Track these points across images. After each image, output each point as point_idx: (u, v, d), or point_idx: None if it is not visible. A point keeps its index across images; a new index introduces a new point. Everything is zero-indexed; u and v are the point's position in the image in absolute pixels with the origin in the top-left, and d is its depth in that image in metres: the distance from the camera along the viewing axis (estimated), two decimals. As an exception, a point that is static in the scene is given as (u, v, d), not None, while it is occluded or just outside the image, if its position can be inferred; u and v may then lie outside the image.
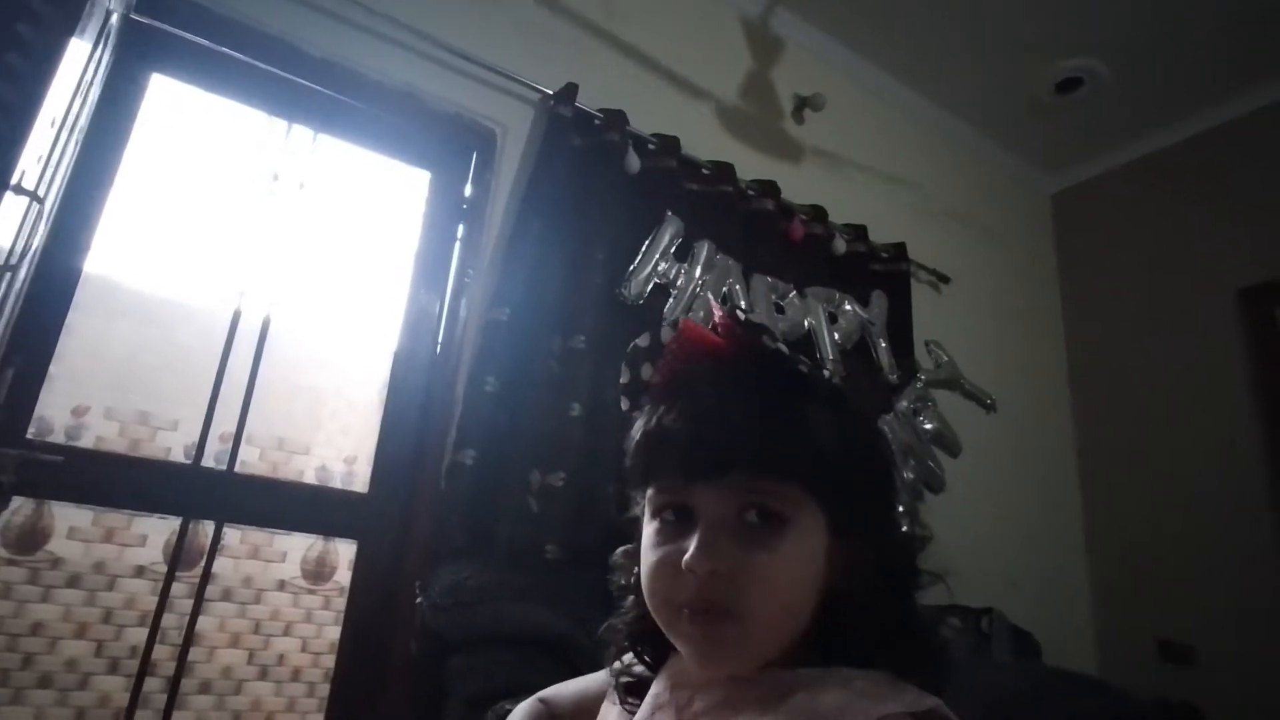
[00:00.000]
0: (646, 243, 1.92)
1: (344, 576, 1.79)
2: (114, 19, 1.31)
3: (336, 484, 2.54)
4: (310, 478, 2.52)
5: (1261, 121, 2.65)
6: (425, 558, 1.53)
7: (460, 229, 1.86)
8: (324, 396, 2.36)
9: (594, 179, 1.90)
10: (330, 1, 1.72)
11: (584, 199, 1.86)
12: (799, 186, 2.33)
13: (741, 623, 0.57)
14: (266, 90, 1.69)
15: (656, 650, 0.67)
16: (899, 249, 2.49)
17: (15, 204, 1.13)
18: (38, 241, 1.24)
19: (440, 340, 1.76)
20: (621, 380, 0.69)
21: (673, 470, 0.61)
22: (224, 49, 1.60)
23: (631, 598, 0.68)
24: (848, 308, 2.27)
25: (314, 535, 2.21)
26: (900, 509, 0.68)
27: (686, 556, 0.57)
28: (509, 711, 0.76)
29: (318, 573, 2.54)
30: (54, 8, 1.09)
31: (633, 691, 0.67)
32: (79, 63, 1.20)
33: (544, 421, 1.65)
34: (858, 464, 0.62)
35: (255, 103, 1.72)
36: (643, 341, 0.69)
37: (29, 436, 1.42)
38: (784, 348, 0.63)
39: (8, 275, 1.17)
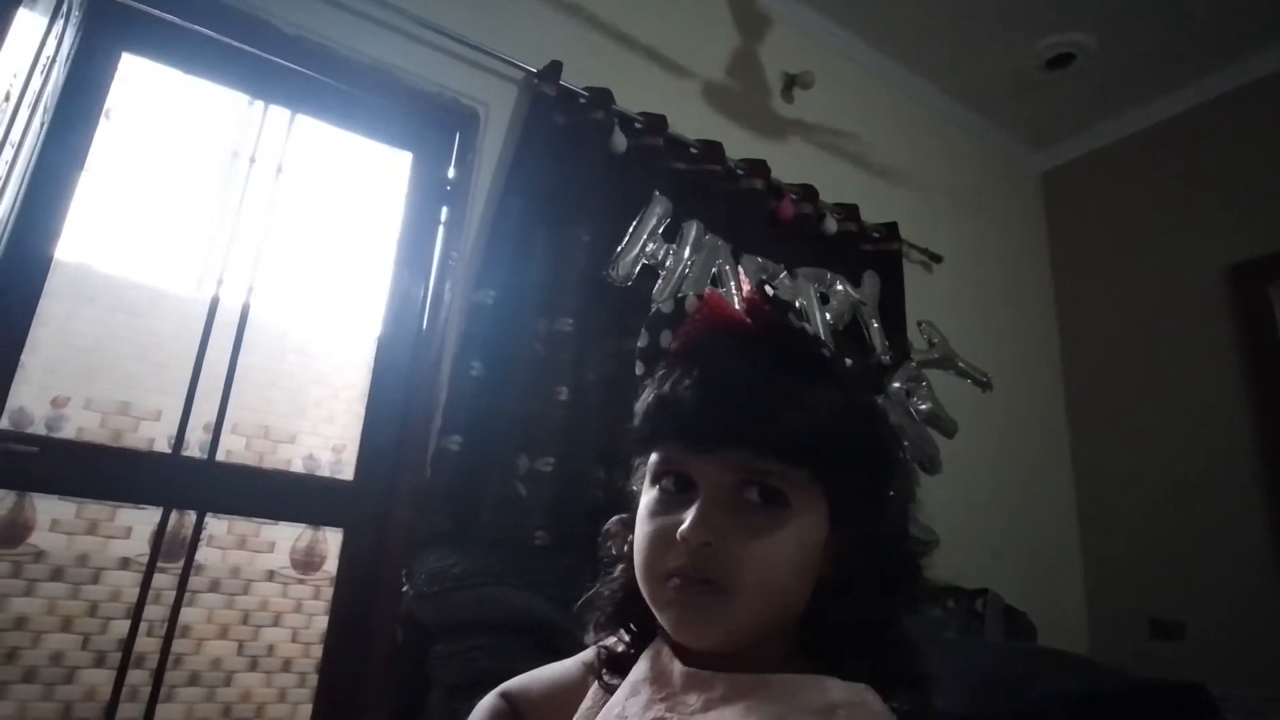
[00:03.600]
0: (634, 223, 1.88)
1: (333, 566, 1.77)
2: (76, -6, 1.27)
3: (324, 473, 2.50)
4: (298, 467, 2.48)
5: (1252, 95, 2.63)
6: (411, 545, 1.50)
7: (443, 211, 1.82)
8: (307, 384, 2.32)
9: (579, 159, 1.86)
10: (305, -22, 1.69)
11: (569, 179, 1.83)
12: (789, 165, 2.30)
13: (727, 599, 0.55)
14: (241, 70, 1.65)
15: (641, 624, 0.65)
16: (890, 228, 2.46)
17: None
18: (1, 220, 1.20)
19: (424, 325, 1.73)
20: (639, 344, 0.67)
21: (678, 437, 0.59)
22: (196, 26, 1.56)
23: (620, 567, 0.67)
24: (839, 288, 2.24)
25: (300, 524, 2.18)
26: (905, 508, 0.65)
27: (682, 527, 0.56)
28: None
29: (307, 562, 2.52)
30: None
31: (613, 666, 0.65)
32: (35, 37, 1.16)
33: (530, 406, 1.62)
34: (865, 455, 0.60)
35: (230, 83, 1.68)
36: (666, 308, 0.66)
37: (2, 427, 1.39)
38: (809, 327, 0.61)
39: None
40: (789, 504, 0.57)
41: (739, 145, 2.22)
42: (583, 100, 1.91)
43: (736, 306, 0.63)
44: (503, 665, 0.74)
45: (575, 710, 0.66)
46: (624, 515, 0.68)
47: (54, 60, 1.26)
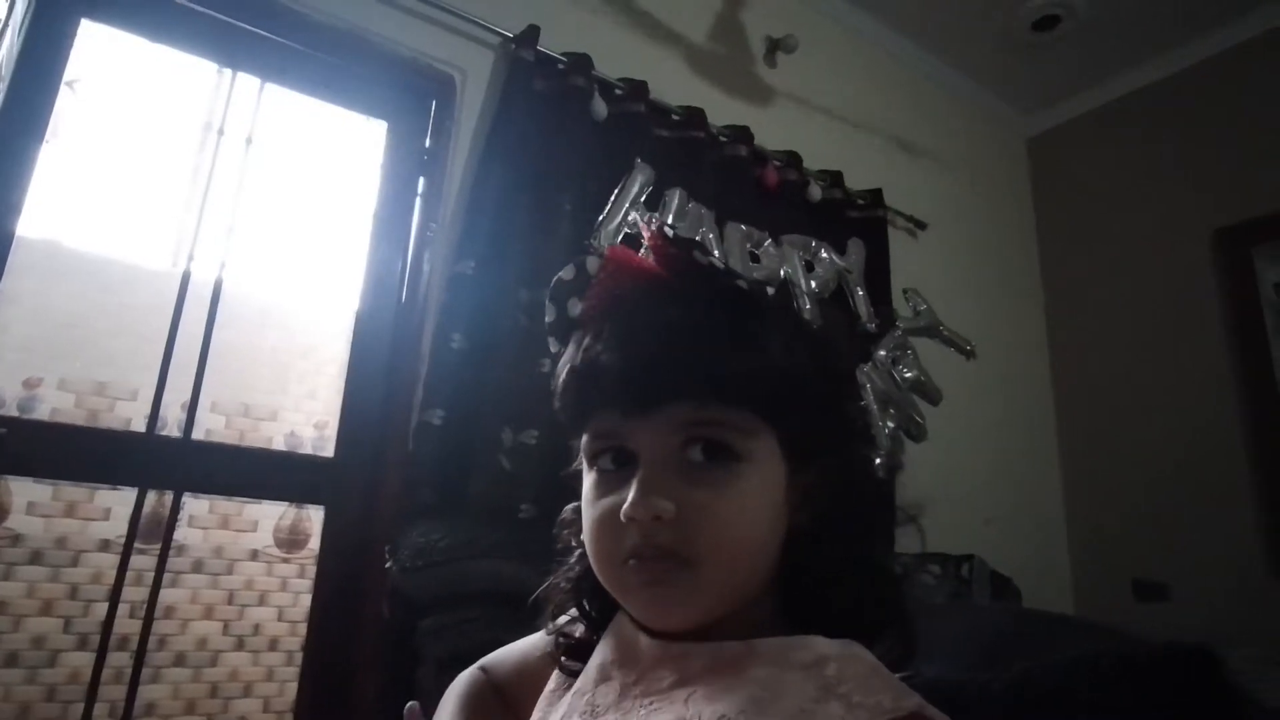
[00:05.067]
0: (615, 192, 1.85)
1: (318, 544, 1.75)
2: (26, -45, 1.22)
3: (307, 450, 2.47)
4: (280, 444, 2.45)
5: (1240, 57, 2.61)
6: (395, 521, 1.48)
7: (420, 181, 1.78)
8: (288, 361, 2.28)
9: (559, 126, 1.82)
10: (271, -61, 1.62)
11: (549, 147, 1.79)
12: (772, 132, 2.27)
13: (693, 570, 0.51)
14: (206, 36, 1.59)
15: (602, 608, 0.62)
16: (875, 195, 2.44)
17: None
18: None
19: (403, 297, 1.70)
20: (547, 320, 0.62)
21: (604, 407, 0.54)
22: (157, -10, 1.50)
23: (577, 553, 0.63)
24: (824, 255, 2.22)
25: (281, 503, 2.15)
26: (866, 436, 0.62)
27: (625, 505, 0.51)
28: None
29: (291, 540, 2.50)
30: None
31: (573, 654, 0.62)
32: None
33: (514, 378, 1.60)
34: (811, 382, 0.56)
35: (196, 50, 1.62)
36: (566, 274, 0.62)
37: (-30, 408, 1.36)
38: (717, 261, 0.56)
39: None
40: (738, 456, 0.52)
41: (722, 111, 2.18)
42: (561, 66, 1.86)
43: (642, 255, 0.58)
44: (495, 637, 0.72)
45: (542, 684, 0.63)
46: (578, 503, 0.64)
47: (6, 25, 1.21)
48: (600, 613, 0.62)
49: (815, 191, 2.27)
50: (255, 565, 2.54)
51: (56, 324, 1.93)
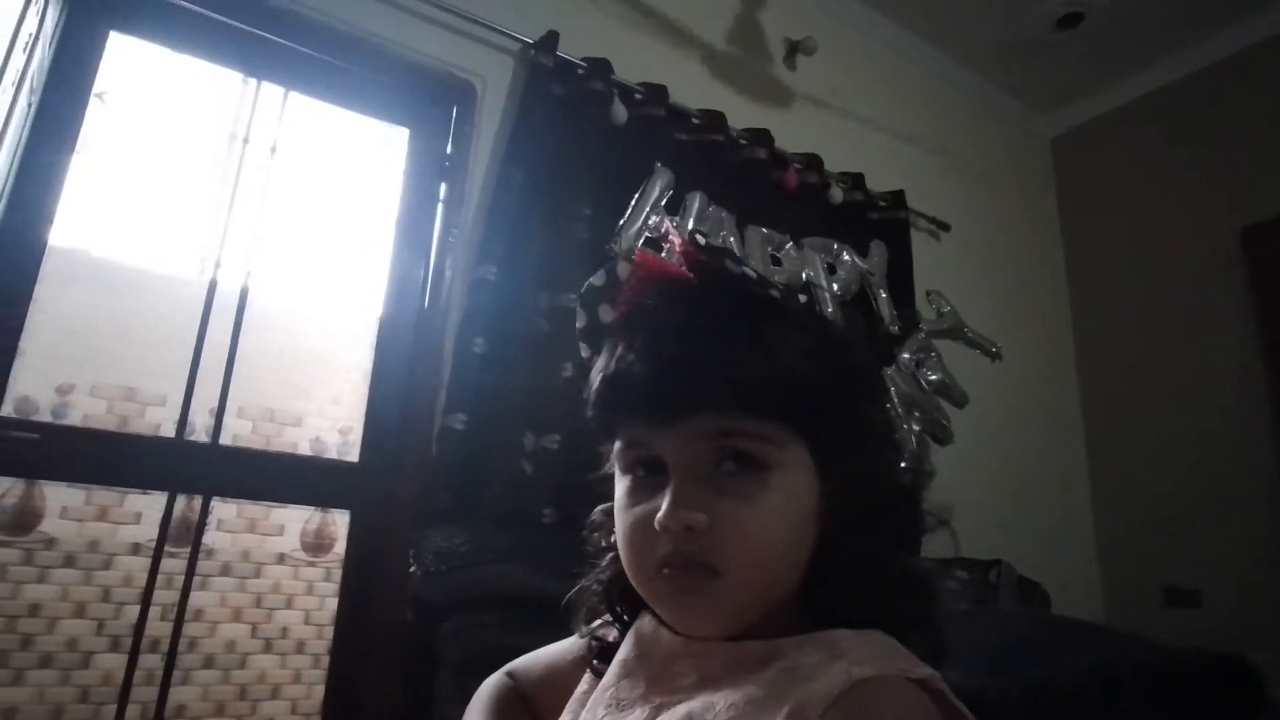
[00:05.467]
0: (636, 196, 1.85)
1: (344, 548, 1.77)
2: (58, -30, 1.25)
3: (333, 455, 2.49)
4: (305, 449, 2.47)
5: (1265, 53, 2.56)
6: (418, 525, 1.49)
7: (442, 188, 1.79)
8: (311, 366, 2.31)
9: (579, 131, 1.83)
10: (295, -50, 1.65)
11: (569, 152, 1.80)
12: (792, 134, 2.26)
13: (722, 579, 0.52)
14: (232, 47, 1.62)
15: (632, 611, 0.62)
16: (897, 197, 2.42)
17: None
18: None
19: (426, 303, 1.71)
20: (578, 325, 0.62)
21: (635, 418, 0.55)
22: (183, 2, 1.52)
23: (609, 557, 0.63)
24: (846, 258, 2.21)
25: (308, 507, 2.18)
26: (891, 440, 0.62)
27: (659, 515, 0.52)
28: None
29: (317, 544, 2.52)
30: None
31: (605, 656, 0.62)
32: (13, 12, 1.13)
33: (536, 382, 1.61)
34: (839, 392, 0.56)
35: (222, 60, 1.65)
36: (597, 280, 0.62)
37: (4, 415, 1.38)
38: (750, 270, 0.56)
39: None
40: (768, 465, 0.53)
41: (742, 114, 2.18)
42: (581, 71, 1.87)
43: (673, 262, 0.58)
44: (511, 641, 0.73)
45: (570, 690, 0.64)
46: (608, 505, 0.65)
47: (36, 38, 1.23)
48: (631, 616, 0.63)
49: (836, 194, 2.26)
50: (282, 569, 2.58)
51: (86, 331, 1.97)
